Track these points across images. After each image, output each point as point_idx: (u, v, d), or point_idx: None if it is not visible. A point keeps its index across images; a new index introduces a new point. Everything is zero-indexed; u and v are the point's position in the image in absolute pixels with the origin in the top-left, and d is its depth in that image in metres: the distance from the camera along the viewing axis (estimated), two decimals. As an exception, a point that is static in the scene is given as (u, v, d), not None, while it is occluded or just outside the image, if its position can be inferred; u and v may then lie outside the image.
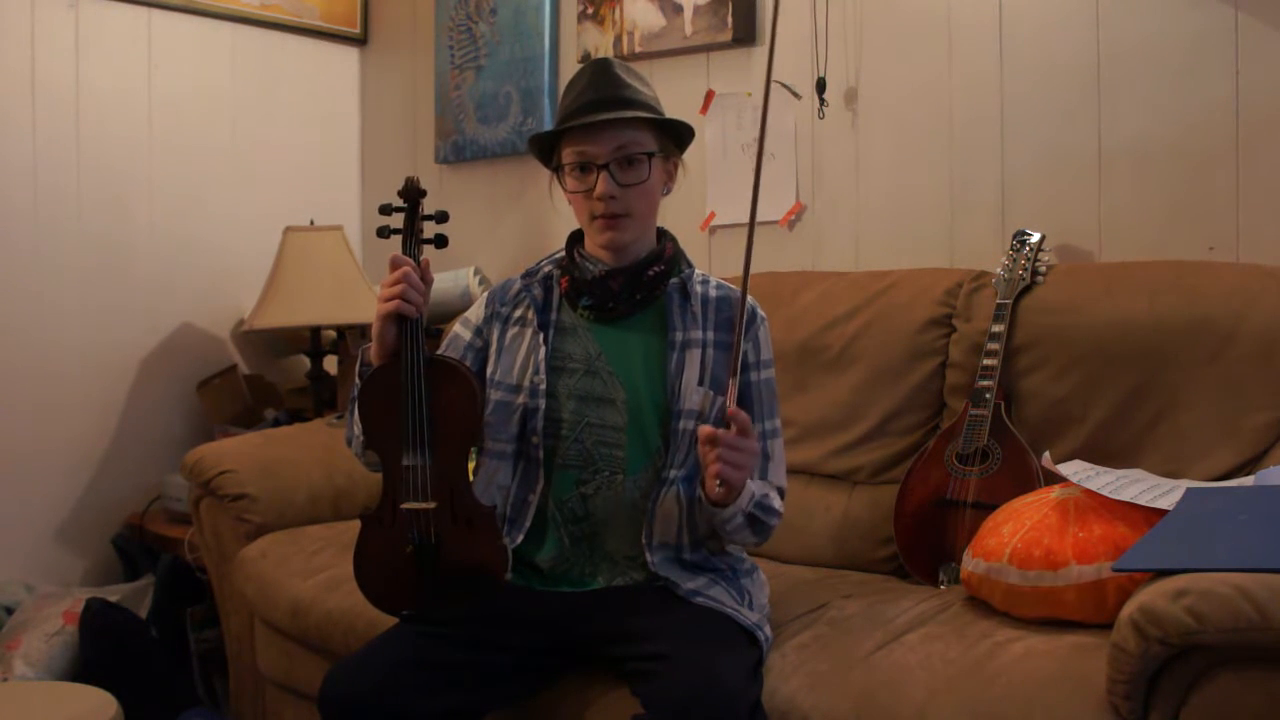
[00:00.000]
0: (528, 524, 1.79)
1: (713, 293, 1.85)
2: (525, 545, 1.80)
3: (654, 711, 1.50)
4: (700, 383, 1.77)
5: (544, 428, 1.78)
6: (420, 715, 1.61)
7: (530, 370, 1.80)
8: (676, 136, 1.81)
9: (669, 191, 1.84)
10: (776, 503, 1.77)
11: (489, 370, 1.84)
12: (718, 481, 1.61)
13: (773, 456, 1.83)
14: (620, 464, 1.77)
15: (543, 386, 1.78)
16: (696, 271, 1.87)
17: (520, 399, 1.80)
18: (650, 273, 1.81)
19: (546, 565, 1.79)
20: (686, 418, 1.76)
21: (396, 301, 1.69)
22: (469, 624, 1.70)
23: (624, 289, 1.79)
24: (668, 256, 1.83)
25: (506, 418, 1.80)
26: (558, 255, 1.90)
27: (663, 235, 1.87)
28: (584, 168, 1.75)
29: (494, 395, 1.81)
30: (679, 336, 1.79)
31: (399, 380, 1.71)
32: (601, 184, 1.72)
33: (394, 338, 1.73)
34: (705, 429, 1.62)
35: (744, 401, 1.81)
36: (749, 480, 1.69)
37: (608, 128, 1.72)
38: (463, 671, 1.66)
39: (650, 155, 1.75)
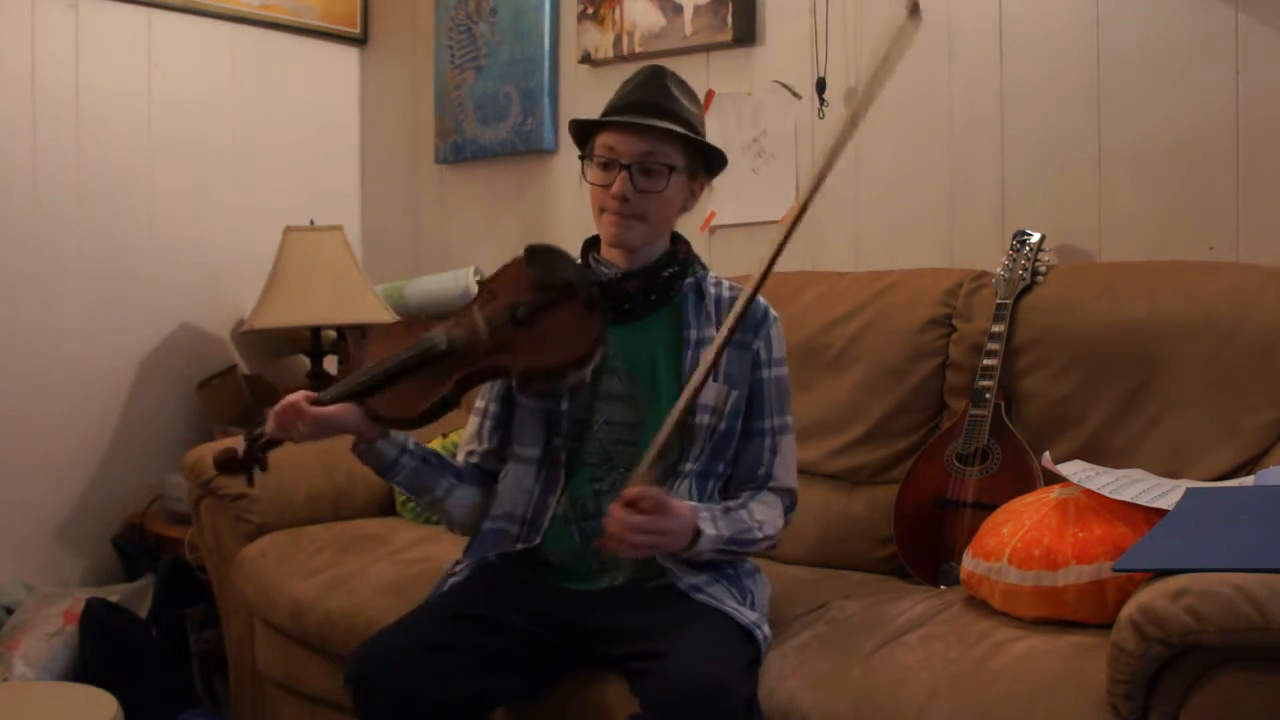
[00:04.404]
0: (545, 525, 1.81)
1: (725, 294, 1.88)
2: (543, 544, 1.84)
3: (650, 708, 1.52)
4: (715, 379, 1.80)
5: (567, 429, 1.81)
6: (443, 701, 1.63)
7: None
8: (708, 160, 1.84)
9: (688, 209, 1.87)
10: (759, 530, 1.78)
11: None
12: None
13: (779, 452, 1.86)
14: (635, 460, 1.78)
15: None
16: (710, 273, 1.91)
17: (546, 403, 1.83)
18: (665, 274, 1.84)
19: (556, 560, 1.82)
20: (701, 412, 1.79)
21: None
22: (494, 609, 1.73)
23: (640, 291, 1.82)
24: (681, 257, 1.87)
25: (534, 423, 1.84)
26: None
27: (677, 238, 1.90)
28: (608, 164, 1.77)
29: (522, 402, 1.85)
30: (693, 334, 1.82)
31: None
32: (619, 183, 1.75)
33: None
34: (629, 497, 1.62)
35: (754, 398, 1.85)
36: (711, 523, 1.70)
37: (640, 131, 1.75)
38: (485, 659, 1.69)
39: (672, 169, 1.77)
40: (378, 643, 1.70)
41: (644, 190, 1.75)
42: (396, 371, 1.76)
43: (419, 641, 1.67)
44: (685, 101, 1.80)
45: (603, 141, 1.78)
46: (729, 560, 1.84)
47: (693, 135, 1.78)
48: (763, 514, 1.80)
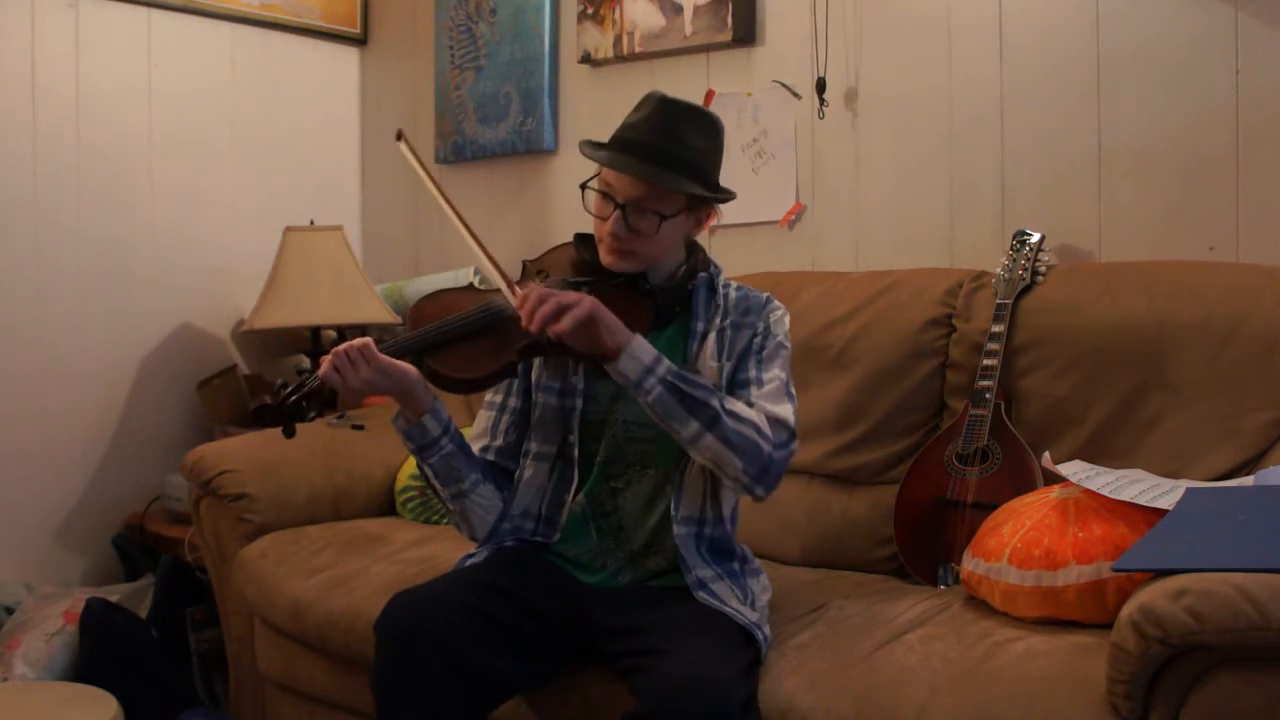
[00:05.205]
0: (563, 522, 1.85)
1: (733, 293, 1.90)
2: (558, 540, 1.86)
3: (645, 703, 1.53)
4: (715, 360, 1.82)
5: (581, 428, 1.83)
6: (470, 665, 1.64)
7: (569, 372, 1.86)
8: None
9: (693, 235, 1.88)
10: (718, 397, 1.70)
11: (535, 375, 1.89)
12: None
13: (765, 389, 1.80)
14: (651, 458, 1.83)
15: (580, 386, 1.83)
16: (722, 275, 1.92)
17: (564, 401, 1.85)
18: (690, 286, 1.86)
19: (572, 554, 1.86)
20: None
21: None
22: (514, 585, 1.74)
23: (667, 305, 1.83)
24: (700, 264, 1.89)
25: (552, 420, 1.85)
26: None
27: (694, 247, 1.90)
28: (606, 196, 1.78)
29: (541, 398, 1.87)
30: (700, 326, 1.85)
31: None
32: (613, 221, 1.76)
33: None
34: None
35: (743, 359, 1.83)
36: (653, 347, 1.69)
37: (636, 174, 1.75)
38: (510, 635, 1.70)
39: (663, 218, 1.76)
40: (415, 596, 1.71)
41: (635, 230, 1.76)
42: (459, 333, 1.76)
43: (458, 603, 1.68)
44: (694, 139, 1.77)
45: (603, 174, 1.79)
46: (740, 552, 1.86)
47: (688, 190, 1.76)
48: (724, 395, 1.74)
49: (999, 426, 2.12)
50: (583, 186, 1.84)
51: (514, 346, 1.73)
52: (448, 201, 1.90)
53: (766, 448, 1.71)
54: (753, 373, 1.81)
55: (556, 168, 3.27)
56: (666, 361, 1.69)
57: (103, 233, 3.12)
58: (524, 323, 1.65)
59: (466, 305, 1.80)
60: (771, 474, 1.74)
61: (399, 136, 1.96)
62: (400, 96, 3.64)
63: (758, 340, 1.84)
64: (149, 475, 3.14)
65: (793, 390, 1.83)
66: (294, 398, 1.70)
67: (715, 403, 1.69)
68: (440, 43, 3.49)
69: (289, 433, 1.72)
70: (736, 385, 1.81)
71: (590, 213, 1.83)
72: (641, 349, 1.67)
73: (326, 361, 1.69)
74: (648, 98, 1.81)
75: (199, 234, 3.31)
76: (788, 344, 1.86)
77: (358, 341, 1.69)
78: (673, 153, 1.75)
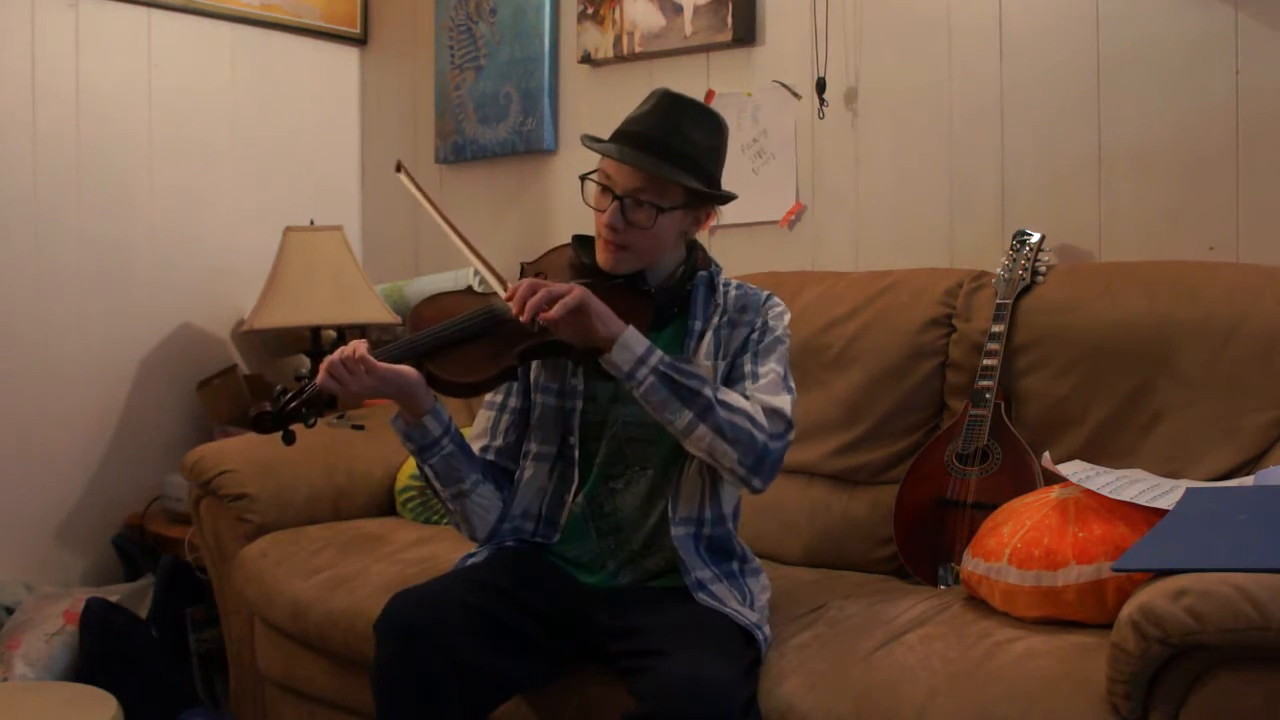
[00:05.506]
0: (563, 522, 1.85)
1: (733, 292, 1.90)
2: (558, 540, 1.86)
3: (646, 704, 1.53)
4: (709, 358, 1.81)
5: (581, 429, 1.83)
6: (470, 665, 1.64)
7: (567, 373, 1.86)
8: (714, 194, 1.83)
9: (690, 235, 1.87)
10: (710, 387, 1.69)
11: (534, 375, 1.88)
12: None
13: (760, 381, 1.79)
14: (650, 459, 1.83)
15: (580, 388, 1.83)
16: (722, 274, 1.92)
17: (563, 402, 1.85)
18: (689, 285, 1.86)
19: (572, 555, 1.86)
20: None
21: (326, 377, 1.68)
22: (514, 585, 1.74)
23: (666, 305, 1.83)
24: (699, 264, 1.88)
25: (552, 421, 1.85)
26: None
27: (694, 246, 1.90)
28: (605, 189, 1.78)
29: (540, 399, 1.87)
30: (698, 325, 1.84)
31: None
32: (610, 214, 1.76)
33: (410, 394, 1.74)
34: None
35: (739, 355, 1.83)
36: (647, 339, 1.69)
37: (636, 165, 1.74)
38: (510, 634, 1.70)
39: (660, 210, 1.76)
40: (416, 595, 1.70)
41: (632, 222, 1.76)
42: (458, 336, 1.76)
43: (454, 598, 1.68)
44: (696, 135, 1.77)
45: (603, 165, 1.79)
46: (740, 552, 1.86)
47: (685, 182, 1.75)
48: (717, 385, 1.74)
49: (999, 426, 2.12)
50: (583, 178, 1.84)
51: (513, 350, 1.73)
52: (451, 225, 1.90)
53: (761, 437, 1.70)
54: (748, 368, 1.81)
55: (556, 168, 3.27)
56: (659, 352, 1.69)
57: (103, 233, 3.12)
58: (514, 311, 1.66)
59: (466, 308, 1.79)
60: (767, 465, 1.72)
61: (398, 168, 1.97)
62: (400, 96, 3.65)
63: (754, 336, 1.83)
64: (149, 475, 3.14)
65: (791, 384, 1.82)
66: (293, 404, 1.69)
67: (708, 392, 1.69)
68: (440, 43, 3.49)
69: (288, 439, 1.72)
70: (732, 381, 1.81)
71: (589, 205, 1.82)
72: (634, 339, 1.67)
73: (323, 371, 1.67)
74: (653, 93, 1.81)
75: (199, 234, 3.31)
76: (786, 339, 1.86)
77: (352, 350, 1.67)
78: (673, 146, 1.75)
